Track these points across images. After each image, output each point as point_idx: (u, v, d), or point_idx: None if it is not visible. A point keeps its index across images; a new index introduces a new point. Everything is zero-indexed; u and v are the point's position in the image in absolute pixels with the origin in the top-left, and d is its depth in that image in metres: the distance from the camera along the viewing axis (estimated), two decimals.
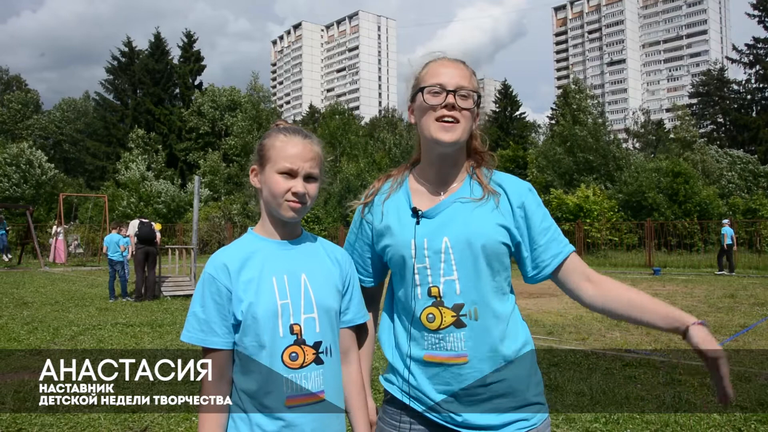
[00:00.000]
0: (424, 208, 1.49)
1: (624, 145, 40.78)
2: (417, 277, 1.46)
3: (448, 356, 1.43)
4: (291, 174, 1.45)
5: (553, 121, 52.23)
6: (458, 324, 1.42)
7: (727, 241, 18.17)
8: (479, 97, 1.49)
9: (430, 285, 1.44)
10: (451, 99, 1.44)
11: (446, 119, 1.44)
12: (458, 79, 1.46)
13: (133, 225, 12.39)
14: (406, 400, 1.49)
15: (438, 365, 1.44)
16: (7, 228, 23.51)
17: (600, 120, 37.06)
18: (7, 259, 21.81)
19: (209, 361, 1.44)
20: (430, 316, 1.44)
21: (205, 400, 1.42)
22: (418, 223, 1.47)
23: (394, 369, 1.53)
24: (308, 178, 1.47)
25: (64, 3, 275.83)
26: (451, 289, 1.43)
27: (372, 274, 1.63)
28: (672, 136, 46.97)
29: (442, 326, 1.43)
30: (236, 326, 1.43)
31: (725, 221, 19.27)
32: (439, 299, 1.43)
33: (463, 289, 1.43)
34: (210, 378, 1.43)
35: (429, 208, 1.49)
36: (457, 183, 1.53)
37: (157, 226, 12.57)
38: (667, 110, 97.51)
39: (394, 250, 1.49)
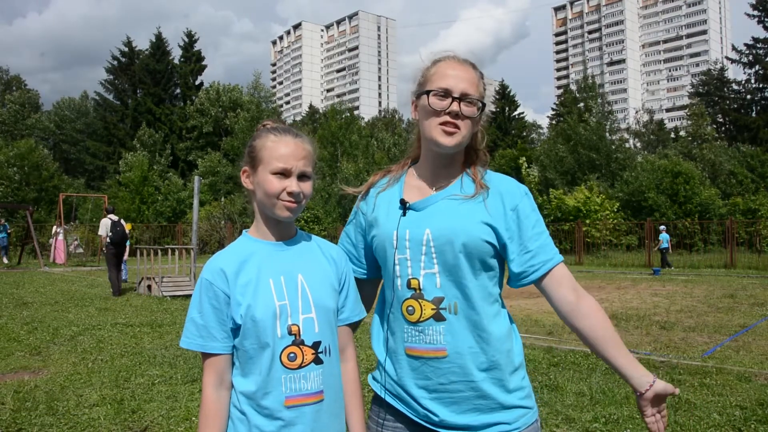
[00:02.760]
0: (412, 201, 1.50)
1: (626, 145, 40.78)
2: (397, 268, 1.47)
3: (427, 349, 1.43)
4: (284, 174, 1.45)
5: (554, 122, 52.25)
6: (438, 317, 1.42)
7: (663, 245, 20.50)
8: (483, 105, 1.50)
9: (410, 277, 1.45)
10: (455, 106, 1.43)
11: (448, 125, 1.45)
12: (465, 85, 1.45)
13: (105, 224, 12.81)
14: (388, 398, 1.51)
15: (418, 359, 1.44)
16: (9, 230, 23.69)
17: (606, 121, 37.07)
18: (6, 261, 21.98)
19: (209, 366, 1.44)
20: (410, 308, 1.45)
21: (205, 404, 1.43)
22: (404, 214, 1.49)
23: (379, 364, 1.55)
24: (302, 176, 1.47)
25: (69, 5, 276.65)
26: (431, 283, 1.43)
27: (365, 265, 1.63)
28: (682, 133, 46.96)
29: (421, 318, 1.43)
30: (235, 330, 1.44)
31: (662, 228, 21.29)
32: (418, 291, 1.44)
33: (443, 283, 1.43)
34: (210, 382, 1.43)
35: (417, 200, 1.50)
36: (451, 180, 1.54)
37: (127, 227, 13.13)
38: (668, 110, 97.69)
39: (379, 240, 1.51)
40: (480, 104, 1.47)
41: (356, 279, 1.64)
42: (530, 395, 1.50)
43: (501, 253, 1.49)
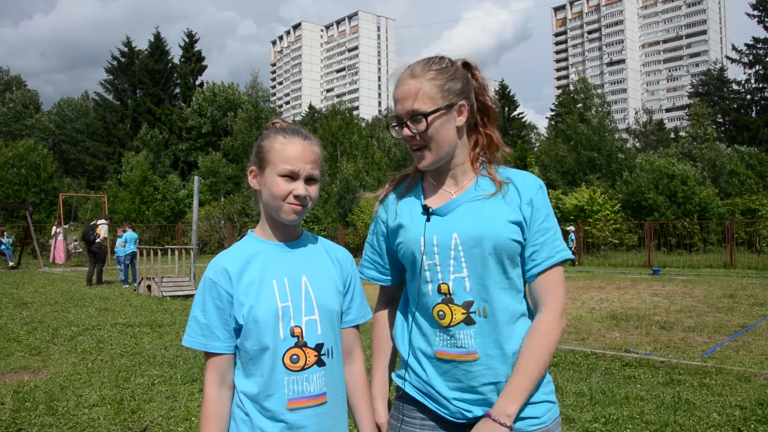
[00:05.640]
0: (435, 206, 1.50)
1: (627, 145, 40.82)
2: (427, 274, 1.46)
3: (459, 353, 1.43)
4: (292, 176, 1.44)
5: (552, 122, 52.29)
6: (468, 321, 1.42)
7: (570, 244, 22.30)
8: (435, 111, 1.42)
9: (440, 282, 1.45)
10: (406, 132, 1.46)
11: (414, 147, 1.48)
12: (407, 104, 1.43)
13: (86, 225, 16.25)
14: (417, 396, 1.50)
15: (449, 362, 1.44)
16: (11, 238, 23.80)
17: (606, 120, 37.12)
18: (11, 263, 22.26)
19: (211, 365, 1.44)
20: (441, 313, 1.44)
21: (206, 403, 1.43)
22: (428, 220, 1.48)
23: (406, 364, 1.53)
24: (309, 179, 1.47)
25: (75, 7, 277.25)
26: (461, 287, 1.43)
27: (390, 272, 1.63)
28: (682, 133, 46.99)
29: (452, 323, 1.43)
30: (238, 330, 1.44)
31: (570, 228, 23.04)
32: (448, 296, 1.44)
33: (472, 286, 1.43)
34: (211, 381, 1.43)
35: (440, 205, 1.50)
36: (469, 182, 1.52)
37: (98, 230, 15.40)
38: (668, 110, 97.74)
39: (405, 246, 1.50)
40: (427, 114, 1.41)
41: (383, 286, 1.64)
42: (553, 390, 1.51)
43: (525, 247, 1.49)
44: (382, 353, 1.63)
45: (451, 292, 1.44)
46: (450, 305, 1.43)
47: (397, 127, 1.48)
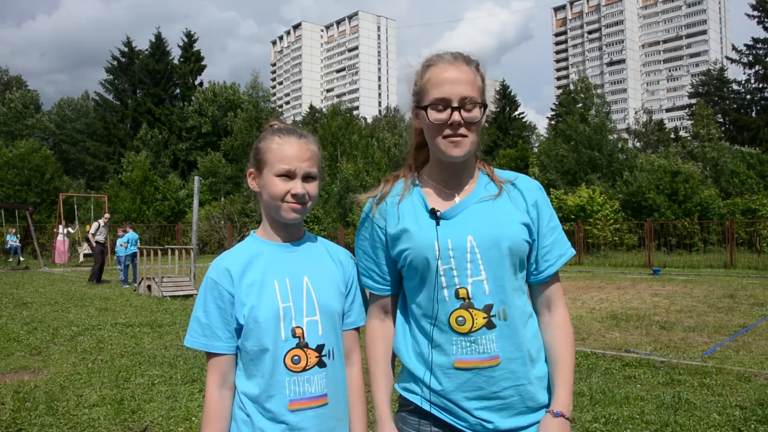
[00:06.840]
0: (441, 210, 1.45)
1: (628, 145, 40.82)
2: (443, 279, 1.40)
3: (481, 359, 1.39)
4: (289, 176, 1.44)
5: (553, 122, 52.29)
6: (489, 325, 1.39)
7: None
8: (485, 106, 1.43)
9: (458, 286, 1.40)
10: (456, 117, 1.37)
11: (454, 136, 1.40)
12: (461, 89, 1.38)
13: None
14: (434, 411, 1.44)
15: (469, 370, 1.39)
16: (17, 235, 23.98)
17: (606, 120, 37.15)
18: (21, 259, 22.69)
19: (212, 366, 1.44)
20: (460, 318, 1.39)
21: (208, 404, 1.43)
22: (437, 224, 1.43)
23: (417, 378, 1.46)
24: (307, 177, 1.47)
25: (78, 8, 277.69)
26: (480, 290, 1.39)
27: (389, 282, 1.55)
28: (682, 133, 46.97)
29: (473, 328, 1.39)
30: (239, 330, 1.43)
31: None
32: (468, 301, 1.39)
33: (492, 289, 1.40)
34: (213, 382, 1.43)
35: (447, 208, 1.45)
36: (471, 184, 1.50)
37: (87, 227, 16.92)
38: (668, 110, 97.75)
39: (415, 252, 1.42)
40: (480, 107, 1.41)
41: (376, 296, 1.57)
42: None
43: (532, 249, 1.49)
44: (383, 370, 1.54)
45: (470, 296, 1.39)
46: (470, 310, 1.39)
47: (440, 107, 1.39)
